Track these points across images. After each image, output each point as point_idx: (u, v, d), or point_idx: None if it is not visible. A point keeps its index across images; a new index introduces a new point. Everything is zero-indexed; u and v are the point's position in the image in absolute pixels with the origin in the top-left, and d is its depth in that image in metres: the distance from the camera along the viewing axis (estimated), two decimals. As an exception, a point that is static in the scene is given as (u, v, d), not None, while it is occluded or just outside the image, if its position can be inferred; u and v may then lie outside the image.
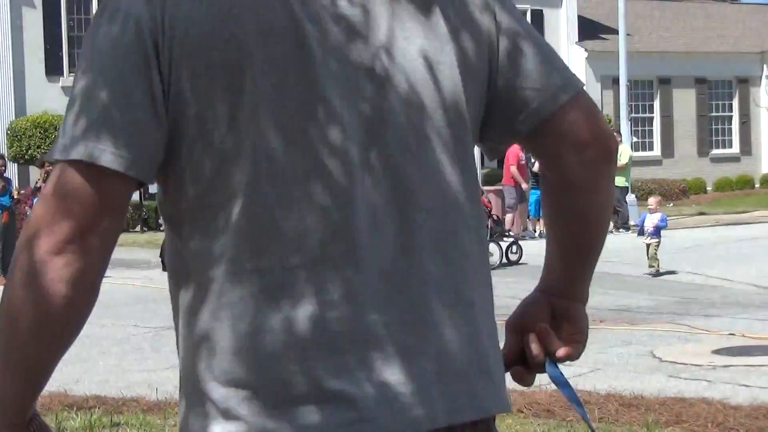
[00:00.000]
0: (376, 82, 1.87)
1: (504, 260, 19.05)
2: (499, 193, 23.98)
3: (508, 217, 22.70)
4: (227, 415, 1.82)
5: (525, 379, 2.13)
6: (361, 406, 1.80)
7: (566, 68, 2.04)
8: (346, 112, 1.84)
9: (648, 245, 16.80)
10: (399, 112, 1.88)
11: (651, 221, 16.88)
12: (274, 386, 1.81)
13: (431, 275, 1.88)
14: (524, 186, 23.90)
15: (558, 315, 2.13)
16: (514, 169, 23.52)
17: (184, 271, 1.91)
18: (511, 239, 20.19)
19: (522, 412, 7.42)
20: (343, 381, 1.80)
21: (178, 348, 1.96)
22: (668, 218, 29.79)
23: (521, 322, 2.13)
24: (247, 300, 1.82)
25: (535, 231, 24.50)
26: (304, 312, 1.81)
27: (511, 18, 2.02)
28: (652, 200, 17.91)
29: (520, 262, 19.26)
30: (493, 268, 18.27)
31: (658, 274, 16.54)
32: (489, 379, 1.94)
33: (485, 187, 21.24)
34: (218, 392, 1.83)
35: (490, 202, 19.93)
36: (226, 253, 1.84)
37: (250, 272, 1.83)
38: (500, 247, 19.00)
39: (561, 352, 2.09)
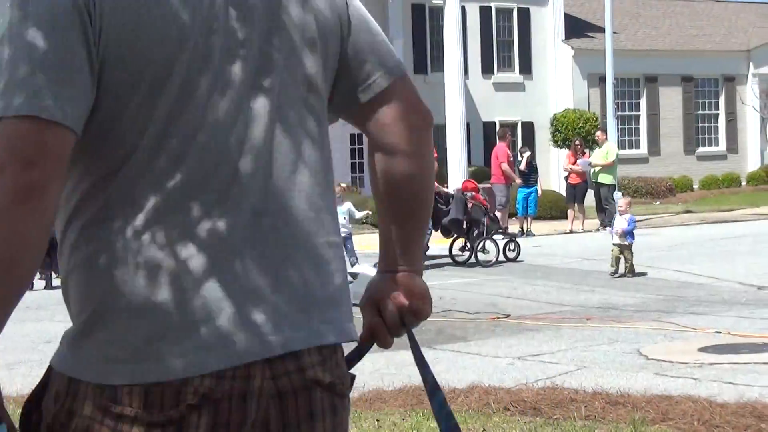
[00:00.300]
0: (264, 54, 2.18)
1: (501, 258, 19.03)
2: (487, 191, 23.97)
3: (499, 215, 22.66)
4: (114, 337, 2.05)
5: (385, 341, 2.39)
6: (222, 333, 2.05)
7: (395, 52, 2.41)
8: (238, 81, 2.14)
9: (621, 248, 16.25)
10: (276, 76, 2.19)
11: (619, 224, 16.39)
12: (156, 314, 2.03)
13: (297, 218, 2.18)
14: (518, 181, 23.90)
15: (402, 286, 2.40)
16: (506, 166, 23.48)
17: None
18: (508, 237, 20.14)
19: (508, 410, 7.42)
20: (210, 308, 2.05)
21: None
22: (657, 215, 29.94)
23: (374, 298, 2.41)
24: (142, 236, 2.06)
25: (523, 230, 24.51)
26: (180, 246, 2.06)
27: (356, 3, 2.39)
28: (622, 202, 17.32)
29: (518, 259, 19.27)
30: (489, 266, 18.32)
31: (625, 275, 16.21)
32: (340, 312, 2.24)
33: (481, 185, 21.18)
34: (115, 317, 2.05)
35: (486, 200, 19.90)
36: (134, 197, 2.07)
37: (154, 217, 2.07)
38: (496, 245, 18.96)
39: (413, 305, 2.38)
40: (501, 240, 19.60)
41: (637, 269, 16.89)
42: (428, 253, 18.55)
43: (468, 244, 19.06)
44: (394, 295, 2.38)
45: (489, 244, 18.93)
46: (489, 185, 24.09)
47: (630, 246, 16.27)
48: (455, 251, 19.19)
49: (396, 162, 2.36)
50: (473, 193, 19.27)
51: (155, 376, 2.02)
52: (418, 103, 2.39)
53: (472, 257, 18.81)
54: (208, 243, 2.08)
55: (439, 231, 19.03)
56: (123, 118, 2.07)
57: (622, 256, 16.26)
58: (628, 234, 16.26)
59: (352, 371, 2.33)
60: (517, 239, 20.08)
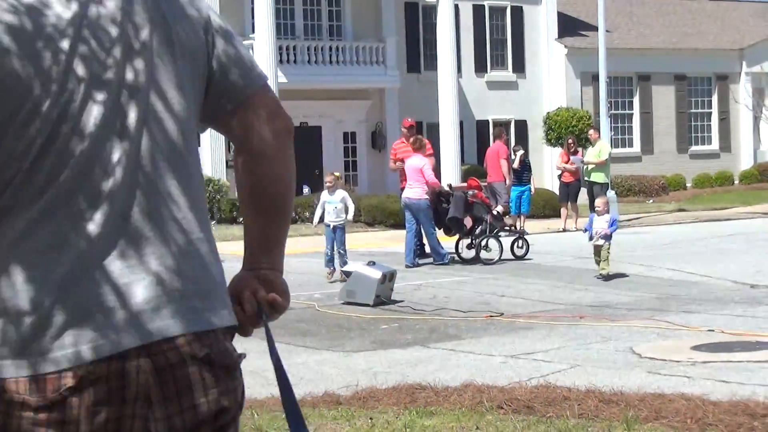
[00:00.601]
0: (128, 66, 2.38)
1: (505, 255, 18.84)
2: (489, 189, 23.68)
3: (500, 209, 22.04)
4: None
5: (244, 330, 2.58)
6: (98, 326, 2.24)
7: (256, 62, 2.65)
8: (104, 97, 2.34)
9: (599, 248, 15.92)
10: (141, 89, 2.38)
11: (599, 225, 16.01)
12: (36, 314, 2.23)
13: (168, 218, 2.36)
14: (508, 182, 23.83)
15: (262, 281, 2.61)
16: (504, 163, 23.35)
17: None
18: (517, 234, 19.95)
19: (502, 408, 7.43)
20: (85, 306, 2.24)
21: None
22: (650, 213, 29.94)
23: (236, 290, 2.58)
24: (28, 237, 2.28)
25: (516, 227, 24.45)
26: (55, 252, 2.26)
27: (217, 17, 2.60)
28: (599, 201, 16.95)
29: (526, 257, 19.14)
30: (492, 263, 18.24)
31: (609, 277, 15.84)
32: (213, 301, 2.40)
33: (483, 183, 21.06)
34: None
35: (489, 198, 19.80)
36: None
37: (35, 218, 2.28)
38: (500, 243, 18.83)
39: (271, 297, 2.58)
40: (509, 238, 19.50)
41: (631, 268, 16.90)
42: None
43: (473, 242, 18.93)
44: (254, 288, 2.58)
45: (492, 242, 18.79)
46: (485, 184, 23.94)
47: (608, 247, 15.94)
48: (462, 249, 19.07)
49: (260, 164, 2.58)
50: (475, 191, 19.18)
51: (39, 369, 2.23)
52: (279, 109, 2.62)
53: (477, 253, 18.65)
54: (81, 246, 2.27)
55: (442, 230, 18.94)
56: (2, 148, 2.27)
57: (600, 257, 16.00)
58: (608, 236, 15.94)
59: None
60: (526, 237, 19.89)
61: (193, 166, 2.49)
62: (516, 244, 19.31)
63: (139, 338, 2.27)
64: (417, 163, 18.27)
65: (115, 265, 2.29)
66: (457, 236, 19.07)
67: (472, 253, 18.81)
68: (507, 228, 20.28)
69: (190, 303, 2.36)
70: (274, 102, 2.63)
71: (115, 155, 2.33)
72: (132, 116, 2.36)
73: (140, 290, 2.30)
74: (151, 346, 2.28)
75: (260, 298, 2.58)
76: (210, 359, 2.36)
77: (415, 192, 18.19)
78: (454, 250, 18.93)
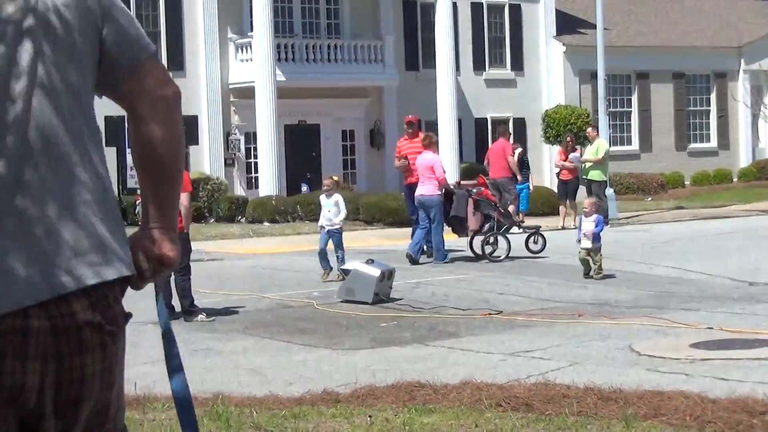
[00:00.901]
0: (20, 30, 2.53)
1: (521, 253, 18.73)
2: (495, 187, 23.44)
3: (512, 208, 21.67)
4: None
5: (136, 284, 2.77)
6: (7, 280, 2.45)
7: (145, 34, 2.82)
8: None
9: (588, 250, 15.64)
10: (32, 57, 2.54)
11: (586, 227, 15.71)
12: None
13: (55, 179, 2.54)
14: (519, 178, 23.73)
15: (154, 239, 2.80)
16: (512, 159, 23.24)
17: None
18: (532, 230, 19.68)
19: (501, 405, 7.43)
20: None
21: None
22: (648, 211, 29.94)
23: (131, 248, 2.75)
24: None
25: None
26: None
27: None
28: (587, 203, 16.51)
29: (542, 255, 18.97)
30: (500, 260, 18.19)
31: (604, 277, 15.67)
32: (112, 253, 2.62)
33: (488, 180, 20.96)
34: None
35: (494, 195, 19.73)
36: None
37: None
38: (507, 240, 18.68)
39: (159, 253, 2.79)
40: (523, 234, 19.40)
41: (629, 265, 16.88)
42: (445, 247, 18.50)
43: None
44: (145, 245, 2.79)
45: (500, 240, 18.66)
46: (490, 181, 23.76)
47: (598, 249, 15.71)
48: (476, 245, 18.91)
49: (147, 129, 2.76)
50: (480, 189, 19.10)
51: None
52: (166, 78, 2.81)
53: (491, 252, 18.58)
54: None
55: (451, 228, 18.90)
56: None
57: (589, 258, 15.72)
58: (596, 237, 15.67)
59: (127, 310, 2.72)
60: (542, 232, 19.61)
61: (88, 130, 2.66)
62: (531, 240, 19.22)
63: (38, 295, 2.48)
64: (428, 159, 18.27)
65: (9, 226, 2.48)
66: (467, 235, 18.95)
67: (487, 249, 18.71)
68: (518, 224, 20.15)
69: (84, 259, 2.56)
70: (161, 72, 2.81)
71: (7, 125, 2.49)
72: (22, 83, 2.52)
73: (34, 251, 2.49)
74: (50, 309, 2.50)
75: (150, 255, 2.78)
76: (101, 326, 2.58)
77: (428, 188, 18.18)
78: (468, 246, 18.91)
